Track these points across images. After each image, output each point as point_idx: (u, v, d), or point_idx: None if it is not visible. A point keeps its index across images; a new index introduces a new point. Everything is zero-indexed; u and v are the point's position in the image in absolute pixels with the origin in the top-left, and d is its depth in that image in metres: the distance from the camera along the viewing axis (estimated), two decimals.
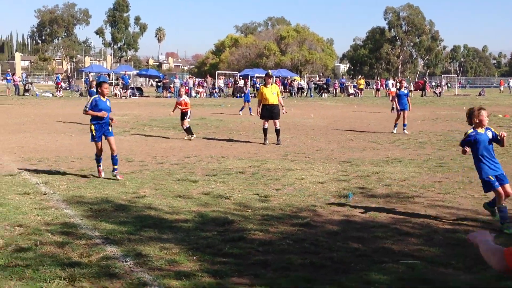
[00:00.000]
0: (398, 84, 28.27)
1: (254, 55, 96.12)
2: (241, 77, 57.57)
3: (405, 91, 18.97)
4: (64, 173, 10.54)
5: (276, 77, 49.14)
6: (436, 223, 7.14)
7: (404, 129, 18.50)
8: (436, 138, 17.17)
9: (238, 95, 49.77)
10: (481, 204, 7.72)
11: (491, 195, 7.39)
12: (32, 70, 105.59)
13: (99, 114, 9.95)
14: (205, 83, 52.93)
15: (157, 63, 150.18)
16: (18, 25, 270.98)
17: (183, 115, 16.90)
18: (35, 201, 8.15)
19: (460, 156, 12.86)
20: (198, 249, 5.98)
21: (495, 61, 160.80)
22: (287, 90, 51.78)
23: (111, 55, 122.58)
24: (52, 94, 45.11)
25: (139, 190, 9.04)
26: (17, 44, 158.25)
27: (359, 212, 7.63)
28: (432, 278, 5.12)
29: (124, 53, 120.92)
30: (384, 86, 59.60)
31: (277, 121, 15.63)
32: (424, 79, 74.13)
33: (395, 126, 18.78)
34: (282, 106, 15.95)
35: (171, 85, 48.45)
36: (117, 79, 51.99)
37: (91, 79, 51.21)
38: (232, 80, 59.66)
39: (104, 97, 10.10)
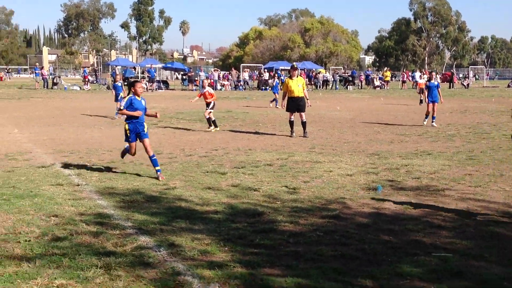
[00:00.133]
0: (425, 76, 27.96)
1: (279, 47, 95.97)
2: (265, 70, 57.57)
3: (436, 83, 18.72)
4: (95, 165, 10.72)
5: (300, 69, 48.99)
6: (467, 216, 7.09)
7: (432, 122, 18.32)
8: (465, 130, 16.98)
9: (263, 87, 49.81)
10: None
11: None
12: (59, 63, 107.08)
13: (134, 113, 9.65)
14: (230, 76, 53.06)
15: (182, 56, 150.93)
16: (45, 19, 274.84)
17: (207, 105, 17.07)
18: (68, 192, 8.32)
19: (490, 149, 12.72)
20: (230, 240, 6.05)
21: None
22: (312, 83, 51.60)
23: (136, 49, 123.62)
24: (80, 88, 45.72)
25: (169, 182, 9.16)
26: (44, 38, 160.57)
27: (389, 205, 7.62)
28: (465, 271, 5.10)
29: (149, 47, 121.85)
30: (410, 78, 58.98)
31: (303, 113, 15.63)
32: (452, 70, 73.22)
33: (426, 118, 18.57)
34: (307, 99, 15.92)
35: (196, 78, 48.68)
36: (142, 73, 52.44)
37: (117, 73, 51.81)
38: (257, 73, 59.70)
39: (139, 96, 9.83)
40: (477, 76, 77.59)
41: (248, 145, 13.80)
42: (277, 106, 26.76)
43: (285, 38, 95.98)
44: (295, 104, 15.63)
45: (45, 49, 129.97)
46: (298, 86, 15.60)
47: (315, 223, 6.73)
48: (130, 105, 9.69)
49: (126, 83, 46.47)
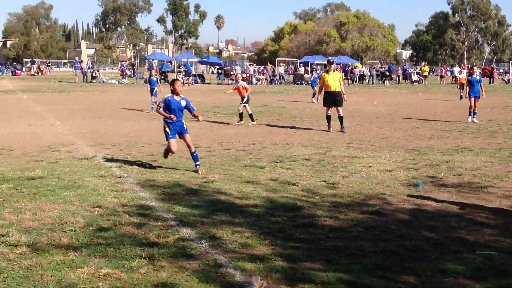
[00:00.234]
0: (464, 71, 27.42)
1: (314, 41, 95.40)
2: (301, 64, 57.35)
3: (477, 78, 18.33)
4: (135, 158, 10.90)
5: (336, 64, 48.62)
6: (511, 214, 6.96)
7: (473, 118, 17.97)
8: (507, 127, 16.61)
9: (299, 82, 49.67)
10: None
11: None
12: (98, 57, 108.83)
13: (168, 117, 9.51)
14: (265, 70, 53.06)
15: (217, 51, 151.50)
16: (83, 13, 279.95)
17: (242, 99, 17.21)
18: (110, 183, 8.49)
19: None
20: (270, 233, 6.08)
21: None
22: (349, 77, 51.19)
23: (172, 43, 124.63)
24: (118, 81, 46.40)
25: (208, 175, 9.24)
26: (83, 33, 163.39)
27: (431, 202, 7.53)
28: (510, 270, 5.02)
29: (185, 41, 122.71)
30: (448, 73, 57.90)
31: (340, 108, 15.53)
32: (492, 65, 71.55)
33: (470, 115, 18.14)
34: (344, 94, 15.80)
35: (232, 72, 48.82)
36: (179, 67, 52.90)
37: (154, 67, 52.39)
38: (292, 67, 59.54)
39: (177, 95, 9.55)
40: None
41: (285, 139, 13.81)
42: (313, 100, 26.66)
43: (321, 32, 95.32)
44: (332, 99, 15.55)
45: (83, 43, 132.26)
46: (334, 80, 15.52)
47: (355, 218, 6.70)
48: (167, 106, 9.51)
49: (162, 77, 46.91)
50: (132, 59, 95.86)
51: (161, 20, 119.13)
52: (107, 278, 4.76)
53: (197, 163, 9.61)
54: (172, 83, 9.67)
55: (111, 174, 9.23)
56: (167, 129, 9.65)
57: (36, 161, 10.32)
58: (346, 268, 5.04)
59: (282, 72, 53.49)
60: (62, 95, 29.93)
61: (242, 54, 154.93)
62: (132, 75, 54.68)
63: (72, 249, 5.45)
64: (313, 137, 14.24)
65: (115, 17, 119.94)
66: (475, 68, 19.54)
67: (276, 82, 49.86)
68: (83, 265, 5.04)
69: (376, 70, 56.17)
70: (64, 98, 28.16)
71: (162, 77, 47.76)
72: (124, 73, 48.99)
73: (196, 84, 45.43)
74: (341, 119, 15.53)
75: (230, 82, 46.75)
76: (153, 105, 19.37)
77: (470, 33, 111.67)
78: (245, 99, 17.12)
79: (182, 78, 45.86)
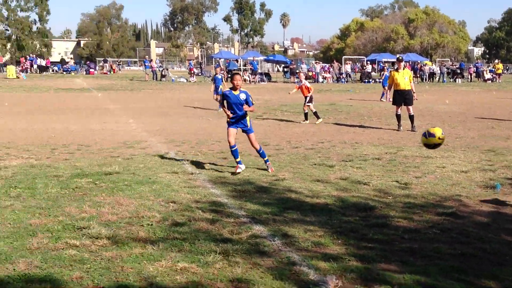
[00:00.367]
0: None
1: (381, 39, 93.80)
2: (368, 62, 56.51)
3: None
4: (206, 155, 11.09)
5: (405, 61, 47.60)
6: None
7: None
8: None
9: (366, 80, 48.97)
10: None
11: None
12: (166, 56, 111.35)
13: (226, 113, 9.37)
14: (331, 69, 52.63)
15: (282, 49, 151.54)
16: (152, 13, 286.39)
17: (305, 99, 17.18)
18: (183, 180, 8.69)
19: None
20: (342, 232, 6.05)
21: None
22: (418, 75, 49.97)
23: (238, 42, 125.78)
24: (186, 80, 47.29)
25: (278, 173, 9.28)
26: (152, 32, 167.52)
27: (510, 204, 7.26)
28: None
29: (251, 39, 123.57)
30: None
31: (410, 107, 15.20)
32: None
33: None
34: (414, 92, 15.44)
35: (298, 71, 48.73)
36: (245, 65, 53.35)
37: (221, 65, 53.06)
38: (359, 65, 58.77)
39: (236, 90, 9.33)
40: None
41: (354, 138, 13.66)
42: (382, 99, 26.23)
43: (388, 29, 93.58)
44: (402, 97, 15.24)
45: (152, 43, 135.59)
46: (404, 78, 15.20)
47: (430, 220, 6.55)
48: (225, 99, 9.42)
49: (229, 76, 47.43)
50: (199, 58, 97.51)
51: (227, 19, 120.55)
52: (184, 272, 4.88)
53: (266, 158, 9.60)
54: (231, 77, 9.56)
55: (183, 170, 9.44)
56: (228, 118, 9.47)
57: (112, 157, 10.70)
58: (423, 270, 4.94)
59: (349, 70, 52.88)
60: (133, 93, 30.83)
61: (307, 52, 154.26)
62: (200, 74, 55.60)
63: (150, 242, 5.63)
64: (382, 136, 14.02)
65: (183, 16, 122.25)
66: None
67: (343, 80, 49.36)
68: (160, 258, 5.19)
69: (447, 68, 54.58)
70: (135, 96, 29.00)
71: (229, 75, 48.34)
72: (192, 72, 49.87)
73: (262, 83, 45.67)
74: (411, 118, 15.20)
75: (296, 80, 46.67)
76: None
77: None
78: (307, 99, 17.08)
79: (249, 77, 46.27)
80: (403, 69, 15.54)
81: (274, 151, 11.63)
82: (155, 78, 47.63)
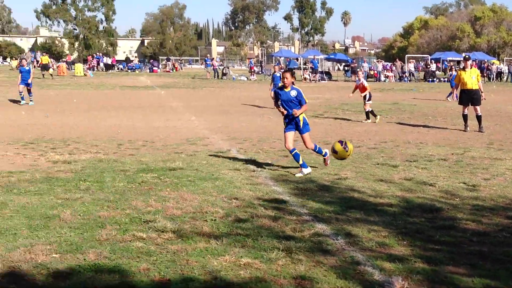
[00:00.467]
0: None
1: (446, 37, 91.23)
2: (432, 61, 55.12)
3: None
4: (267, 152, 11.13)
5: (472, 60, 46.16)
6: None
7: None
8: None
9: (430, 79, 47.79)
10: None
11: None
12: (227, 55, 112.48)
13: (280, 110, 9.18)
14: (394, 67, 51.67)
15: (343, 47, 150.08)
16: (214, 13, 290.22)
17: (364, 98, 16.94)
18: (245, 177, 8.75)
19: None
20: (407, 234, 5.92)
21: None
22: (485, 75, 48.32)
23: (298, 40, 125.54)
24: (247, 78, 47.62)
25: (340, 172, 9.20)
26: (213, 31, 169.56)
27: None
28: None
29: (311, 38, 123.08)
30: None
31: (477, 107, 14.72)
32: None
33: None
34: (482, 92, 14.92)
35: (359, 69, 48.12)
36: (305, 64, 53.16)
37: (281, 64, 53.03)
38: (423, 64, 57.41)
39: (287, 87, 9.08)
40: None
41: (418, 138, 13.36)
42: (448, 99, 25.53)
43: (453, 27, 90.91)
44: (469, 97, 14.78)
45: (214, 41, 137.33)
46: (471, 78, 14.73)
47: (500, 223, 6.32)
48: (277, 98, 9.25)
49: None
50: (260, 56, 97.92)
51: (288, 18, 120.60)
52: (247, 267, 4.92)
53: (323, 153, 9.41)
54: (281, 75, 9.34)
55: (245, 168, 9.51)
56: (284, 123, 9.32)
57: (176, 153, 10.91)
58: (493, 274, 4.78)
59: (412, 69, 51.73)
60: (195, 91, 31.31)
61: (369, 51, 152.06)
62: (260, 72, 55.82)
63: (214, 237, 5.70)
64: (448, 137, 13.64)
65: (244, 15, 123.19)
66: None
67: (406, 79, 48.36)
68: (224, 253, 5.25)
69: None
70: (197, 94, 29.44)
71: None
72: (252, 70, 50.15)
73: (323, 81, 45.38)
74: (479, 118, 14.72)
75: (357, 79, 46.11)
76: None
77: None
78: (367, 97, 16.84)
79: (309, 75, 46.08)
80: (470, 68, 15.07)
81: None
82: (216, 76, 48.19)
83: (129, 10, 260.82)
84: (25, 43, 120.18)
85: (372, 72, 48.77)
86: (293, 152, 9.12)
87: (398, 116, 18.77)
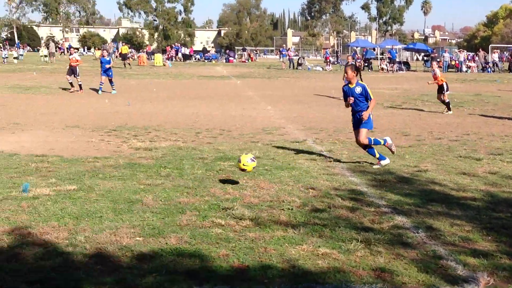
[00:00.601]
0: None
1: None
2: None
3: None
4: (343, 143, 11.01)
5: None
6: None
7: None
8: None
9: None
10: None
11: None
12: (302, 45, 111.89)
13: (345, 102, 8.99)
14: (476, 57, 49.56)
15: (423, 37, 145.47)
16: (290, 3, 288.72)
17: (440, 88, 16.41)
18: (322, 167, 8.70)
19: None
20: (493, 229, 5.70)
21: None
22: None
23: (376, 30, 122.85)
24: (322, 68, 47.21)
25: (420, 164, 8.96)
26: (289, 21, 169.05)
27: None
28: None
29: (389, 27, 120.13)
30: None
31: None
32: None
33: None
34: None
35: (439, 60, 46.52)
36: (382, 54, 51.97)
37: (357, 54, 52.12)
38: (507, 54, 54.72)
39: (352, 83, 8.75)
40: None
41: (504, 131, 12.78)
42: None
43: None
44: None
45: (289, 32, 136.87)
46: None
47: None
48: (344, 94, 8.94)
49: (366, 64, 46.46)
50: (336, 47, 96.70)
51: (365, 7, 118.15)
52: (325, 257, 4.89)
53: (382, 142, 8.95)
54: (344, 70, 8.97)
55: (321, 158, 9.46)
56: (352, 120, 9.03)
57: (252, 142, 11.00)
58: None
59: (496, 59, 49.38)
60: (270, 81, 31.40)
61: (449, 40, 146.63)
62: (336, 62, 55.15)
63: (291, 226, 5.71)
64: None
65: (320, 5, 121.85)
66: None
67: (489, 70, 46.27)
68: (302, 242, 5.25)
69: None
70: (272, 84, 29.51)
71: (366, 64, 47.42)
72: (328, 60, 49.60)
73: (401, 72, 44.23)
74: None
75: (432, 70, 44.59)
76: None
77: None
78: (445, 88, 16.30)
79: (386, 65, 45.05)
80: None
81: (415, 141, 11.24)
82: (291, 66, 48.09)
83: (207, 1, 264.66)
84: (108, 34, 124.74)
85: (453, 63, 47.00)
86: (367, 149, 8.89)
87: (481, 107, 18.02)
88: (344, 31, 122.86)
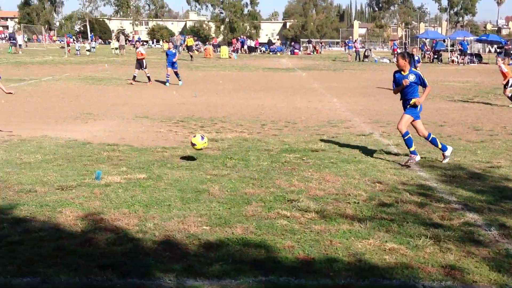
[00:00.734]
0: None
1: None
2: None
3: None
4: (412, 137, 10.73)
5: None
6: None
7: None
8: None
9: None
10: None
11: None
12: (369, 37, 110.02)
13: (394, 90, 8.73)
14: None
15: (496, 28, 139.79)
16: None
17: (507, 84, 15.85)
18: (389, 161, 8.56)
19: None
20: None
21: None
22: None
23: (446, 21, 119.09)
24: (389, 61, 46.25)
25: (493, 160, 8.64)
26: (356, 13, 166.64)
27: None
28: None
29: (460, 18, 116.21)
30: None
31: None
32: None
33: None
34: None
35: (499, 56, 44.51)
36: (452, 45, 50.36)
37: (427, 46, 50.71)
38: None
39: (405, 71, 8.41)
40: None
41: None
42: None
43: None
44: None
45: (356, 23, 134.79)
46: None
47: None
48: (395, 81, 8.62)
49: (435, 56, 45.11)
50: (403, 38, 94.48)
51: None
52: (392, 253, 4.82)
53: (440, 147, 8.53)
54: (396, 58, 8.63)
55: (388, 151, 9.31)
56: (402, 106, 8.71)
57: (317, 135, 10.94)
58: None
59: None
60: (336, 73, 31.08)
61: None
62: None
63: (357, 220, 5.65)
64: None
65: None
66: None
67: None
68: (368, 236, 5.18)
69: None
70: (338, 76, 29.20)
71: (435, 56, 46.09)
72: (396, 52, 48.51)
73: (472, 64, 42.71)
74: None
75: (511, 62, 42.76)
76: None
77: None
78: (510, 83, 15.71)
79: (457, 57, 43.62)
80: None
81: (488, 136, 10.84)
82: (357, 58, 47.42)
83: None
84: (176, 27, 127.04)
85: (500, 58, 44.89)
86: (406, 137, 8.43)
87: None
88: (413, 22, 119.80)
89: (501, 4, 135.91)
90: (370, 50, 53.34)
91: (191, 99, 17.13)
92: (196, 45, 58.03)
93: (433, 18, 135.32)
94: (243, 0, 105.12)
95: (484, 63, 45.18)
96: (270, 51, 63.38)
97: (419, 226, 5.49)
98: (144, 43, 45.97)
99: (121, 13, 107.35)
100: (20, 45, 48.79)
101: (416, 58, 20.69)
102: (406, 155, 8.94)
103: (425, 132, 8.63)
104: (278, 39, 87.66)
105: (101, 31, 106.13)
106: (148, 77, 22.40)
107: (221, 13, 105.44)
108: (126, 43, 58.68)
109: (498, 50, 49.75)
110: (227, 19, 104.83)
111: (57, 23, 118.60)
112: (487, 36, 56.38)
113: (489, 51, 58.77)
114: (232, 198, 6.39)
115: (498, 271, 4.44)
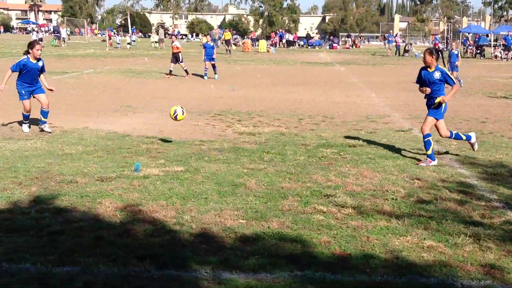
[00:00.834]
0: None
1: None
2: None
3: None
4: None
5: None
6: None
7: None
8: None
9: None
10: None
11: None
12: (409, 31, 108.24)
13: (420, 90, 8.35)
14: None
15: None
16: None
17: None
18: None
19: None
20: None
21: None
22: None
23: (490, 15, 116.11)
24: None
25: None
26: (397, 6, 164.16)
27: None
28: None
29: (505, 13, 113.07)
30: None
31: None
32: None
33: None
34: None
35: None
36: (496, 40, 49.12)
37: (469, 40, 49.61)
38: None
39: (431, 68, 8.11)
40: None
41: None
42: None
43: None
44: None
45: (396, 17, 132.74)
46: None
47: None
48: (419, 77, 8.36)
49: (478, 51, 44.08)
50: (445, 33, 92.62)
51: None
52: (431, 250, 4.75)
53: (464, 138, 8.44)
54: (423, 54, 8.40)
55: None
56: (426, 105, 8.41)
57: (355, 130, 10.84)
58: None
59: None
60: (375, 68, 30.71)
61: None
62: (445, 49, 52.85)
63: (395, 217, 5.58)
64: None
65: None
66: None
67: None
68: (406, 233, 5.12)
69: None
70: (377, 70, 28.85)
71: (478, 51, 45.02)
72: (437, 47, 47.62)
73: None
74: None
75: None
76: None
77: None
78: None
79: (500, 53, 42.50)
80: None
81: None
82: (397, 53, 46.72)
83: None
84: (215, 21, 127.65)
85: None
86: (426, 139, 8.10)
87: None
88: (455, 16, 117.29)
89: None
90: (411, 44, 52.48)
91: (228, 93, 17.20)
92: (235, 39, 58.19)
93: (477, 12, 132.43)
94: None
95: None
96: (308, 45, 63.05)
97: (459, 224, 5.39)
98: (182, 36, 46.28)
99: (162, 6, 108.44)
100: (63, 38, 49.91)
101: (455, 52, 20.30)
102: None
103: (447, 132, 8.39)
104: (316, 33, 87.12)
105: (141, 25, 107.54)
106: (186, 71, 22.56)
107: (260, 6, 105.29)
108: (165, 37, 59.25)
109: None
110: (266, 13, 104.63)
111: (99, 17, 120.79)
112: None
113: None
114: (269, 192, 6.40)
115: None
